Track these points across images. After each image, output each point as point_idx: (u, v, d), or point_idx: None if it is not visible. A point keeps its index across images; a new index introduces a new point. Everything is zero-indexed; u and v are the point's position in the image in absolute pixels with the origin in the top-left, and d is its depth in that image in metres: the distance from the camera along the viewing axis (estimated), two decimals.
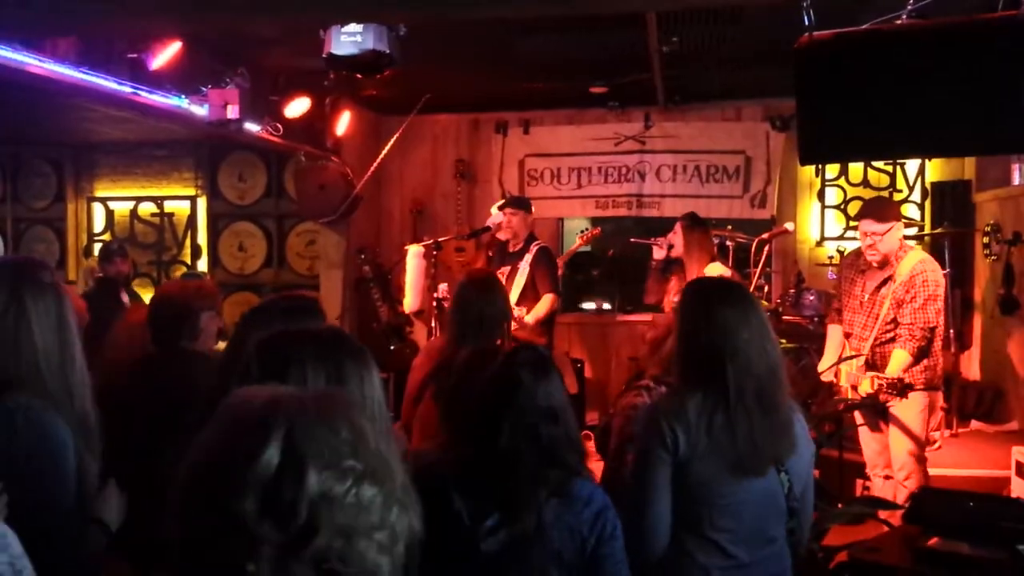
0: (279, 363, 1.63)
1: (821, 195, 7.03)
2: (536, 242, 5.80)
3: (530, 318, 5.53)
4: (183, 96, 4.99)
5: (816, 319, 5.70)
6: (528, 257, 5.73)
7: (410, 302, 6.64)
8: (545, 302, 5.63)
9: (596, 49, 5.49)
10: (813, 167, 6.72)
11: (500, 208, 5.92)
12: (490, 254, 6.22)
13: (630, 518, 2.16)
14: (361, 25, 3.28)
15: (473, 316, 3.27)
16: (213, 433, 0.96)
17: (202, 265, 8.62)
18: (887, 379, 3.93)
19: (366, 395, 1.61)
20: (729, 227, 6.43)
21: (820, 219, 7.05)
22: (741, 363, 2.21)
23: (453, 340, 3.34)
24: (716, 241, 5.92)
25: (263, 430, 0.91)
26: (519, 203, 5.96)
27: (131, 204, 8.76)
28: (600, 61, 5.83)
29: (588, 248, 6.29)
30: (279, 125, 5.73)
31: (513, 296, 5.56)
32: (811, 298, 5.88)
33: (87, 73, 4.41)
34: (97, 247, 8.58)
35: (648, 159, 7.13)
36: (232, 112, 4.93)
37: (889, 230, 4.14)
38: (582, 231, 6.43)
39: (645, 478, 2.26)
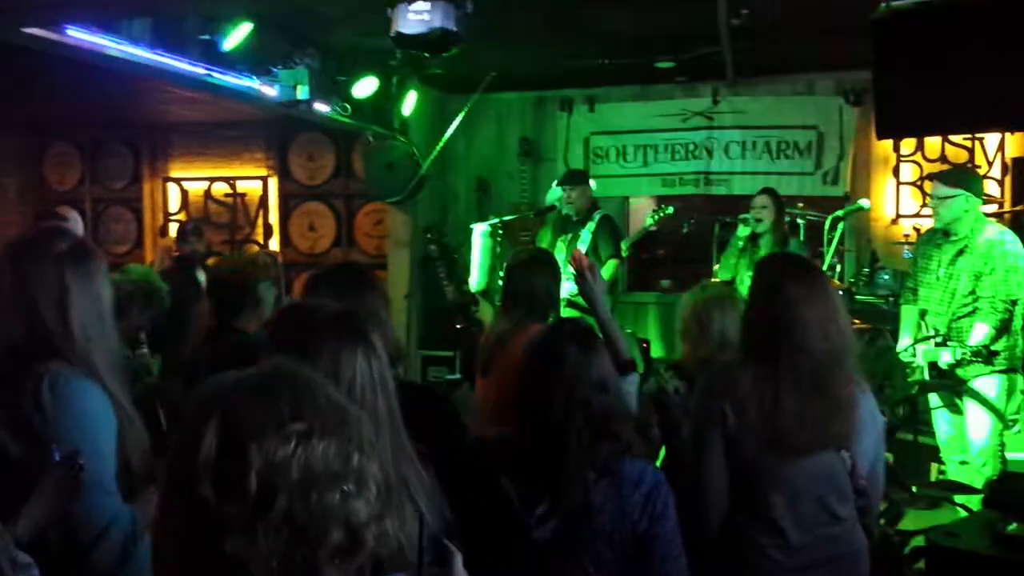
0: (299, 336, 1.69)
1: (896, 171, 6.82)
2: (599, 211, 5.90)
3: None
4: (254, 77, 5.07)
5: (891, 299, 5.55)
6: (591, 224, 5.86)
7: (476, 281, 6.68)
8: (610, 266, 5.79)
9: (663, 23, 5.40)
10: (890, 142, 6.51)
11: (558, 184, 6.00)
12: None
13: (686, 494, 2.15)
14: (428, 3, 3.28)
15: (522, 291, 3.28)
16: (178, 426, 1.04)
17: (273, 244, 8.79)
18: (971, 348, 3.85)
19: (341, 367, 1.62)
20: (800, 204, 6.29)
21: (895, 196, 6.84)
22: (796, 340, 2.17)
23: (503, 315, 3.37)
24: (787, 219, 5.84)
25: (202, 419, 0.97)
26: (575, 177, 6.06)
27: (205, 184, 8.97)
28: (667, 36, 5.74)
29: (655, 227, 6.23)
30: (347, 105, 5.79)
31: None
32: (886, 277, 5.73)
33: (162, 55, 4.51)
34: (173, 227, 8.83)
35: (716, 135, 7.01)
36: (302, 93, 4.99)
37: (953, 197, 4.01)
38: (654, 212, 6.36)
39: (698, 461, 2.24)
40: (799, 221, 6.06)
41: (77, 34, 4.03)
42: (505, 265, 3.60)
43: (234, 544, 0.94)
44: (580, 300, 5.65)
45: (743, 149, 6.95)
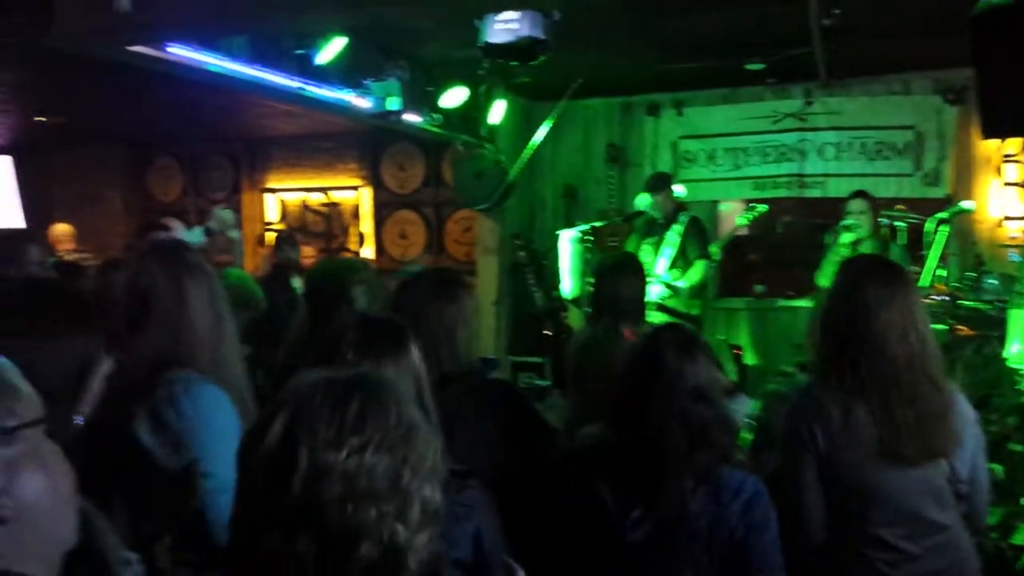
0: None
1: (999, 172, 6.53)
2: (685, 212, 5.90)
3: (685, 283, 5.61)
4: (348, 89, 5.21)
5: (998, 304, 5.31)
6: (677, 227, 5.81)
7: (567, 287, 6.70)
8: (699, 267, 5.73)
9: (752, 25, 5.31)
10: (992, 141, 6.24)
11: (645, 190, 5.99)
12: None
13: (783, 514, 2.10)
14: (516, 12, 3.32)
15: (606, 300, 3.26)
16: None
17: (367, 252, 8.99)
18: None
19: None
20: (900, 207, 6.09)
21: (1000, 197, 6.54)
22: (872, 346, 2.10)
23: (590, 321, 3.36)
24: (886, 222, 5.67)
25: (277, 410, 1.02)
26: (659, 182, 6.01)
27: (301, 195, 9.24)
28: (756, 37, 5.64)
29: (748, 226, 6.13)
30: (437, 115, 5.88)
31: (663, 265, 5.76)
32: (992, 282, 5.49)
33: (259, 70, 4.67)
34: (270, 236, 9.12)
35: (810, 137, 6.84)
36: (393, 104, 5.10)
37: None
38: (747, 211, 6.25)
39: (792, 477, 2.18)
40: (898, 225, 5.87)
41: (179, 51, 4.21)
42: (593, 271, 3.60)
43: (272, 540, 0.97)
44: (670, 303, 5.65)
45: (838, 150, 6.77)
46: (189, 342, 2.00)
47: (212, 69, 4.41)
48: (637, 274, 3.40)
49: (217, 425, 1.93)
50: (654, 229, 5.93)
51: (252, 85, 4.78)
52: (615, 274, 3.32)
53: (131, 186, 9.69)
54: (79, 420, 2.04)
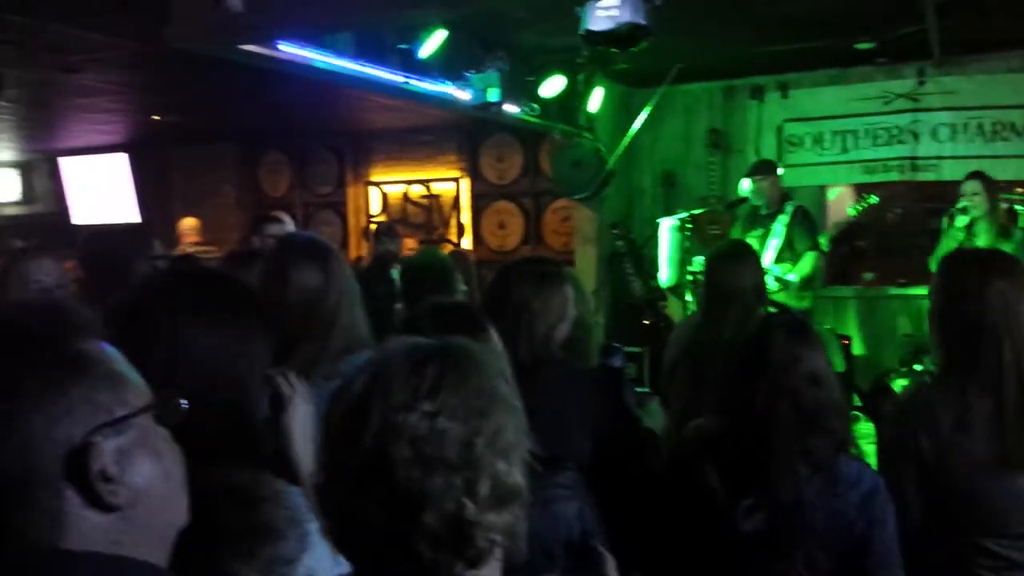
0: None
1: None
2: (791, 202, 5.69)
3: (795, 277, 5.44)
4: (448, 82, 5.29)
5: None
6: (783, 217, 5.64)
7: (666, 276, 6.64)
8: (807, 260, 5.52)
9: (861, 3, 5.14)
10: None
11: (747, 175, 5.83)
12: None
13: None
14: None
15: (721, 290, 3.15)
16: None
17: (466, 243, 9.10)
18: None
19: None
20: (1019, 189, 5.80)
21: None
22: (1002, 345, 1.97)
23: (701, 315, 3.29)
24: (1005, 206, 5.42)
25: (363, 369, 1.04)
26: (764, 167, 5.86)
27: (403, 187, 9.42)
28: (865, 15, 5.45)
29: (858, 217, 5.93)
30: (536, 105, 5.91)
31: (768, 257, 5.53)
32: None
33: (364, 65, 4.79)
34: (374, 228, 9.34)
35: (923, 118, 6.57)
36: (493, 95, 5.15)
37: None
38: (858, 202, 6.05)
39: (890, 484, 2.08)
40: (1018, 208, 5.59)
41: (288, 49, 4.35)
42: (706, 259, 3.51)
43: (340, 493, 0.99)
44: (778, 298, 5.50)
45: (953, 132, 6.48)
46: (361, 327, 2.14)
47: (319, 66, 4.54)
48: (751, 264, 3.27)
49: None
50: (759, 220, 5.75)
51: (357, 80, 4.89)
52: (728, 264, 3.22)
53: (243, 181, 10.06)
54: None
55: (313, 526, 1.36)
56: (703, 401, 2.43)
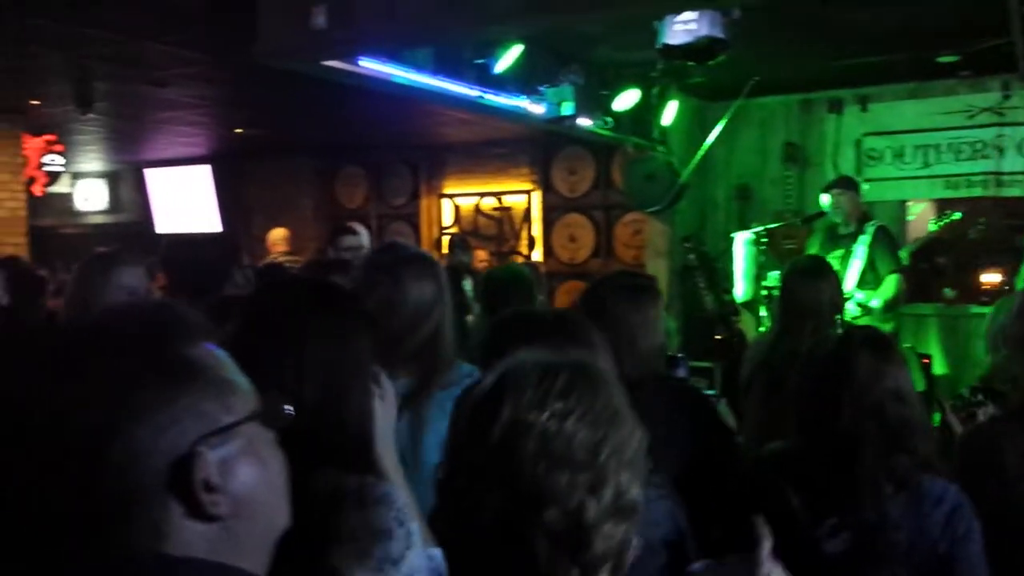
0: (501, 342, 1.72)
1: None
2: (872, 221, 5.53)
3: (877, 302, 5.27)
4: (523, 96, 5.34)
5: None
6: (864, 238, 5.47)
7: (740, 291, 6.56)
8: (891, 283, 5.33)
9: (943, 15, 5.03)
10: None
11: (825, 190, 5.71)
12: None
13: None
14: (695, 12, 3.31)
15: (798, 306, 3.10)
16: None
17: (536, 255, 9.14)
18: None
19: None
20: None
21: None
22: None
23: (777, 331, 3.25)
24: None
25: (490, 374, 1.07)
26: (846, 183, 5.71)
27: (475, 199, 9.52)
28: (948, 28, 5.32)
29: (939, 234, 5.77)
30: (609, 119, 5.92)
31: (850, 281, 5.34)
32: None
33: (442, 80, 4.87)
34: (446, 240, 9.45)
35: (1008, 132, 6.37)
36: (567, 109, 5.18)
37: None
38: (940, 217, 5.90)
39: None
40: None
41: (369, 64, 4.46)
42: (783, 274, 3.46)
43: (463, 487, 1.00)
44: (861, 322, 5.35)
45: None
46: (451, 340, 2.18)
47: (398, 81, 4.63)
48: (829, 281, 3.21)
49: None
50: (839, 239, 5.58)
51: (434, 95, 4.98)
52: (805, 280, 3.16)
53: (320, 193, 10.30)
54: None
55: (415, 525, 1.40)
56: (779, 417, 2.40)
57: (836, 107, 7.01)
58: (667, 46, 3.49)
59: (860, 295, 5.34)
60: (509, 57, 4.86)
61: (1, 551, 0.84)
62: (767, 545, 1.31)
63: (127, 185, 11.76)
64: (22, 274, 4.18)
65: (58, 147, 8.97)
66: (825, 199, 5.73)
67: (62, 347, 0.86)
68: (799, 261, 3.50)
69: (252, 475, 0.88)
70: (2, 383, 0.86)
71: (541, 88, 5.31)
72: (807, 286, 3.13)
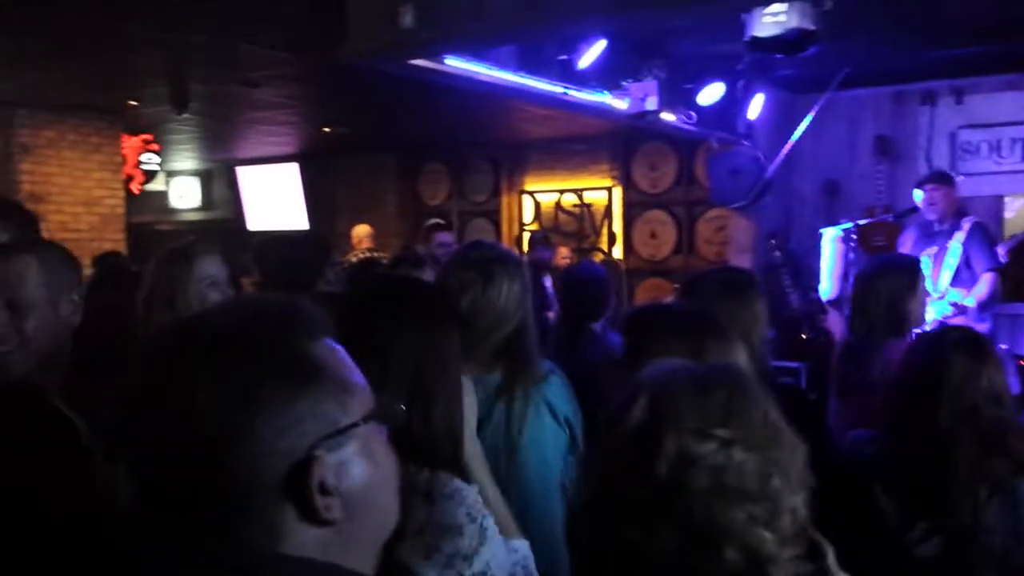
0: (639, 337, 1.72)
1: None
2: (967, 217, 5.33)
3: (971, 300, 5.09)
4: (606, 91, 5.33)
5: None
6: (959, 235, 5.29)
7: (827, 289, 6.41)
8: (985, 282, 5.14)
9: None
10: None
11: (919, 185, 5.53)
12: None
13: None
14: (785, 4, 3.25)
15: (879, 302, 3.03)
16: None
17: (617, 252, 9.10)
18: None
19: None
20: None
21: None
22: None
23: (858, 328, 3.18)
24: None
25: (635, 396, 1.01)
26: (940, 177, 5.52)
27: (555, 196, 9.53)
28: None
29: None
30: (692, 113, 5.86)
31: (945, 279, 5.18)
32: None
33: (525, 77, 4.90)
34: (527, 236, 9.48)
35: None
36: (651, 104, 5.15)
37: None
38: None
39: None
40: None
41: (454, 62, 4.51)
42: (862, 272, 3.39)
43: (626, 525, 0.95)
44: (955, 322, 5.18)
45: None
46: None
47: (482, 79, 4.69)
48: (908, 277, 3.13)
49: None
50: (933, 237, 5.40)
51: (518, 92, 5.02)
52: (886, 276, 3.10)
53: (404, 190, 10.46)
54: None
55: (489, 521, 1.40)
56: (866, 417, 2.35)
57: (929, 99, 6.79)
58: (755, 38, 3.44)
59: (954, 294, 5.17)
60: (592, 53, 4.85)
61: (124, 536, 0.87)
62: (831, 555, 1.30)
63: (219, 183, 12.15)
64: (120, 270, 4.36)
65: (154, 146, 9.32)
66: (918, 194, 5.55)
67: (189, 342, 0.86)
68: (876, 259, 3.40)
69: (366, 476, 0.86)
70: (131, 377, 0.86)
71: (624, 83, 5.29)
72: (876, 283, 3.07)
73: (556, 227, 9.35)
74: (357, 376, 0.90)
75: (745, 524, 0.94)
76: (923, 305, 3.15)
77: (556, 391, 2.13)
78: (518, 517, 1.94)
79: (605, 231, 9.24)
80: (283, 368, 0.83)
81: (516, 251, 9.22)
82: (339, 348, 0.90)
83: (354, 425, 0.86)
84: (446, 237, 5.86)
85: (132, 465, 0.83)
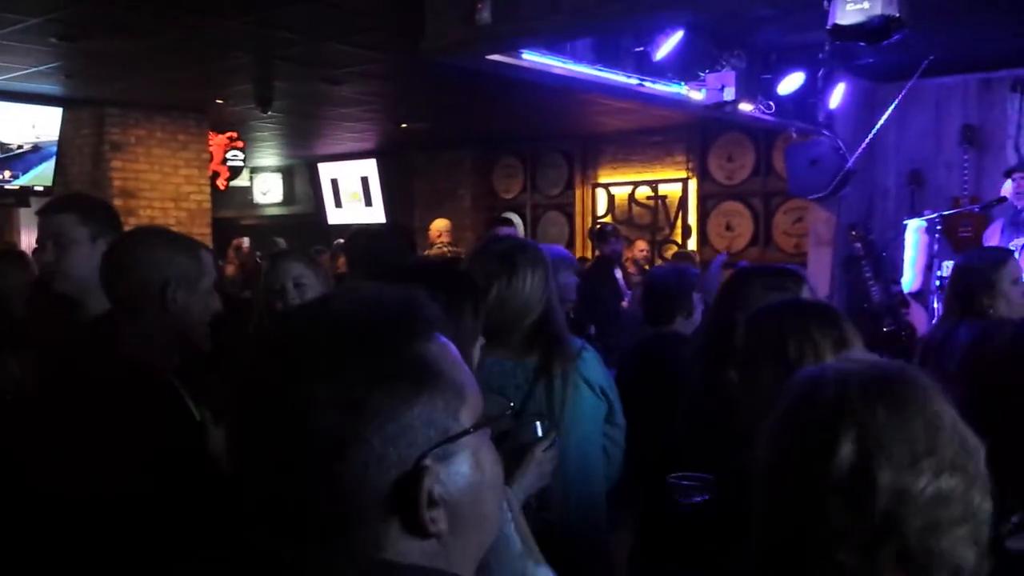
0: (775, 336, 1.69)
1: None
2: None
3: None
4: (682, 83, 5.31)
5: None
6: None
7: (909, 281, 6.29)
8: None
9: None
10: None
11: (1007, 174, 5.37)
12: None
13: None
14: None
15: (965, 292, 3.01)
16: (783, 429, 1.01)
17: (691, 244, 9.04)
18: None
19: None
20: None
21: None
22: None
23: (943, 317, 3.13)
24: None
25: (833, 432, 0.94)
26: None
27: (629, 188, 9.51)
28: None
29: None
30: (771, 103, 5.79)
31: None
32: None
33: (601, 69, 4.92)
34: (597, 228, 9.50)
35: None
36: (729, 94, 5.12)
37: None
38: None
39: None
40: None
41: (531, 57, 4.56)
42: (958, 264, 3.34)
43: (847, 557, 0.93)
44: None
45: None
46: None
47: (559, 72, 4.73)
48: (996, 266, 3.08)
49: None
50: (1021, 227, 5.28)
51: (594, 85, 5.04)
52: (973, 266, 3.07)
53: (478, 184, 10.56)
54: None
55: (509, 528, 1.41)
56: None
57: (1019, 86, 6.57)
58: (838, 26, 3.39)
59: None
60: (669, 43, 4.84)
61: (221, 541, 0.87)
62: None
63: (301, 179, 12.46)
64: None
65: (239, 143, 9.63)
66: (1006, 184, 5.40)
67: (301, 338, 0.82)
68: (973, 249, 3.33)
69: (474, 486, 0.83)
70: (246, 371, 0.84)
71: (701, 74, 5.27)
72: (973, 272, 3.04)
73: (630, 220, 9.33)
74: (467, 377, 0.85)
75: (952, 549, 0.93)
76: (1013, 289, 3.08)
77: (590, 365, 2.25)
78: (562, 489, 2.06)
79: (680, 223, 9.19)
80: (397, 370, 0.79)
81: (589, 243, 9.29)
82: (451, 346, 0.86)
83: (465, 432, 0.82)
84: (510, 231, 5.93)
85: (238, 462, 0.82)
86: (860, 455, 0.93)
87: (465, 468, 0.82)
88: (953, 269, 3.31)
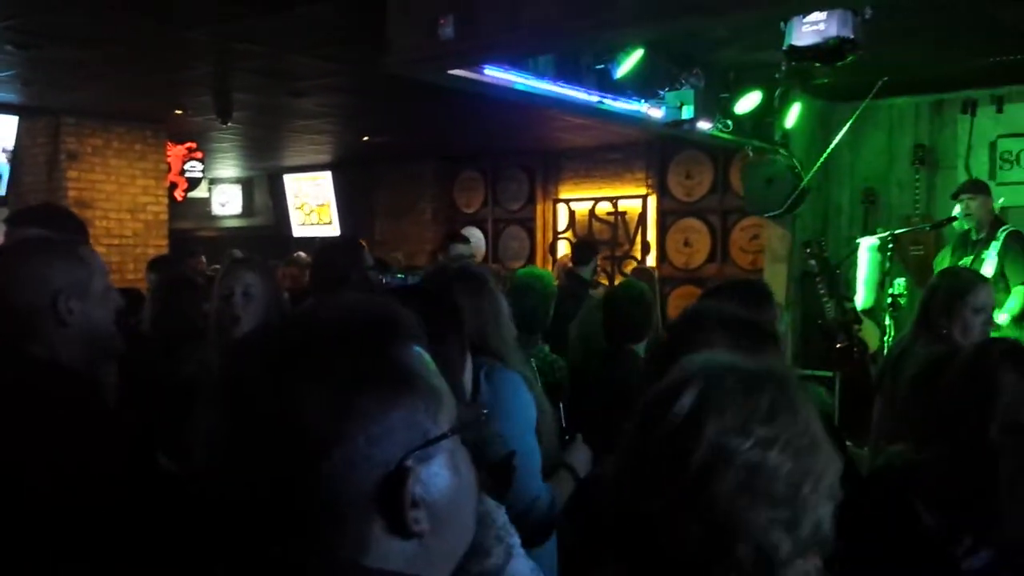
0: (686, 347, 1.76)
1: None
2: (1004, 228, 5.27)
3: (1006, 318, 4.98)
4: (642, 100, 5.37)
5: None
6: (995, 244, 5.22)
7: (862, 298, 6.39)
8: (1019, 295, 5.05)
9: None
10: None
11: (956, 195, 5.50)
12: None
13: None
14: (825, 13, 3.27)
15: (925, 309, 3.09)
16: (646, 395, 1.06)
17: (650, 260, 9.12)
18: None
19: None
20: None
21: None
22: None
23: (909, 335, 3.19)
24: None
25: (686, 381, 0.99)
26: (975, 187, 5.48)
27: (589, 204, 9.58)
28: None
29: None
30: (729, 122, 5.88)
31: None
32: None
33: (562, 86, 4.95)
34: (561, 244, 9.54)
35: None
36: (687, 112, 5.18)
37: None
38: None
39: None
40: None
41: (492, 72, 4.58)
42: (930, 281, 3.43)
43: (651, 513, 0.95)
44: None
45: None
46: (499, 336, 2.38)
47: (520, 88, 4.75)
48: (958, 284, 3.17)
49: (519, 411, 2.21)
50: (969, 245, 5.35)
51: (555, 101, 5.07)
52: (935, 287, 3.16)
53: (439, 197, 10.56)
54: None
55: (515, 540, 1.43)
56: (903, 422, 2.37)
57: (969, 108, 6.74)
58: (794, 47, 3.47)
59: None
60: (629, 62, 4.89)
61: (202, 538, 0.87)
62: None
63: (260, 190, 12.35)
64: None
65: (198, 154, 9.52)
66: (955, 204, 5.53)
67: (288, 341, 0.84)
68: (950, 269, 3.39)
69: (451, 487, 0.85)
70: (232, 373, 0.86)
71: (661, 92, 5.33)
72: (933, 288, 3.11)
73: (590, 235, 9.39)
74: (444, 384, 0.87)
75: (764, 525, 0.93)
76: (973, 318, 3.12)
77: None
78: None
79: (639, 239, 9.27)
80: (380, 374, 0.81)
81: (548, 259, 9.31)
82: (426, 354, 0.88)
83: (444, 436, 0.84)
84: (464, 249, 5.92)
85: (220, 465, 0.82)
86: (696, 407, 0.96)
87: (444, 470, 0.84)
88: (927, 284, 3.38)
